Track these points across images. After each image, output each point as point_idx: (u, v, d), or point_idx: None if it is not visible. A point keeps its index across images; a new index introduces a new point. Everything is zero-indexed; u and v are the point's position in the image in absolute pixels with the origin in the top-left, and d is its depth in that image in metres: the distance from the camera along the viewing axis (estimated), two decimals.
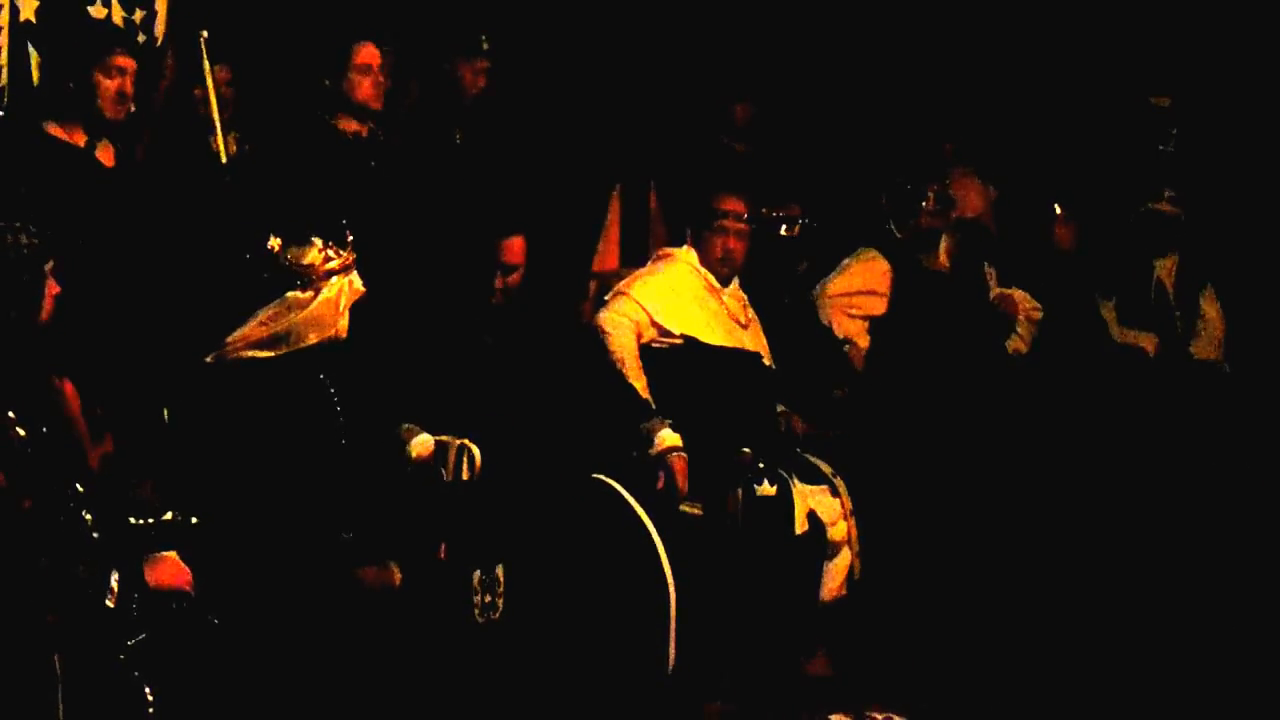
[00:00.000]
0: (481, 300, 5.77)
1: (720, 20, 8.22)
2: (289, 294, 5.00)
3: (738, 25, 8.28)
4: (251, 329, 5.01)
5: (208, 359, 5.02)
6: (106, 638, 4.12)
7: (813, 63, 8.49)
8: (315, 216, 5.12)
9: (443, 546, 5.13)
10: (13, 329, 4.36)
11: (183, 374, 5.06)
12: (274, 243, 5.00)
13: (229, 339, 5.02)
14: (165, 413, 5.20)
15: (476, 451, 5.41)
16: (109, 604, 4.11)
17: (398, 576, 4.99)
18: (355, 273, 5.10)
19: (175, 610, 4.31)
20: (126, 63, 5.71)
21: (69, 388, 4.50)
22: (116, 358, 5.41)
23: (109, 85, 5.67)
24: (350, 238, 5.08)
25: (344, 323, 5.07)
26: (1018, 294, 7.43)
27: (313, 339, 5.03)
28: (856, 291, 7.09)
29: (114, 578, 4.11)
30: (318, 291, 5.01)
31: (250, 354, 5.01)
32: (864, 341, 7.02)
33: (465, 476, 5.39)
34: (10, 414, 4.19)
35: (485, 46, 6.93)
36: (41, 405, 4.35)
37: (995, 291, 7.44)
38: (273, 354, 5.01)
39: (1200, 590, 6.78)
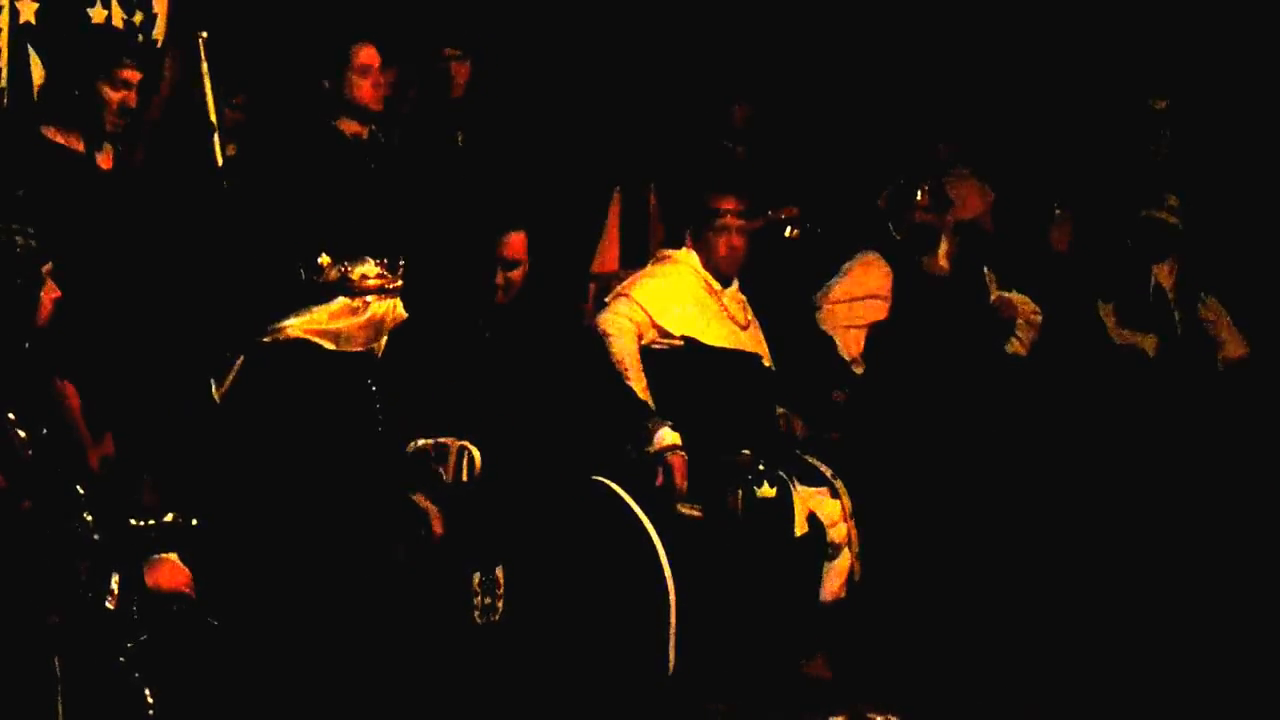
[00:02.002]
0: (483, 299, 5.77)
1: (719, 21, 8.22)
2: (341, 298, 5.14)
3: (736, 26, 8.28)
4: (311, 319, 5.13)
5: (264, 339, 5.14)
6: (107, 639, 4.12)
7: (811, 64, 8.49)
8: (373, 239, 5.31)
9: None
10: (11, 331, 4.37)
11: (234, 352, 5.18)
12: (324, 259, 5.14)
13: (283, 324, 5.14)
14: (212, 388, 5.26)
15: (477, 453, 5.42)
16: (109, 606, 4.11)
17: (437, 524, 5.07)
18: (400, 300, 5.24)
19: (175, 612, 4.31)
20: (132, 75, 5.70)
21: (70, 389, 4.50)
22: (117, 360, 5.41)
23: (113, 97, 5.66)
24: (402, 265, 5.22)
25: (383, 343, 5.19)
26: (1017, 297, 7.44)
27: (358, 347, 5.18)
28: (858, 297, 7.10)
29: (114, 580, 4.12)
30: (366, 305, 5.15)
31: (311, 337, 5.11)
32: (860, 369, 7.04)
33: (465, 478, 5.40)
34: (11, 415, 4.19)
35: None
36: (42, 407, 4.35)
37: (995, 294, 7.44)
38: (330, 345, 5.18)
39: (1200, 592, 6.78)
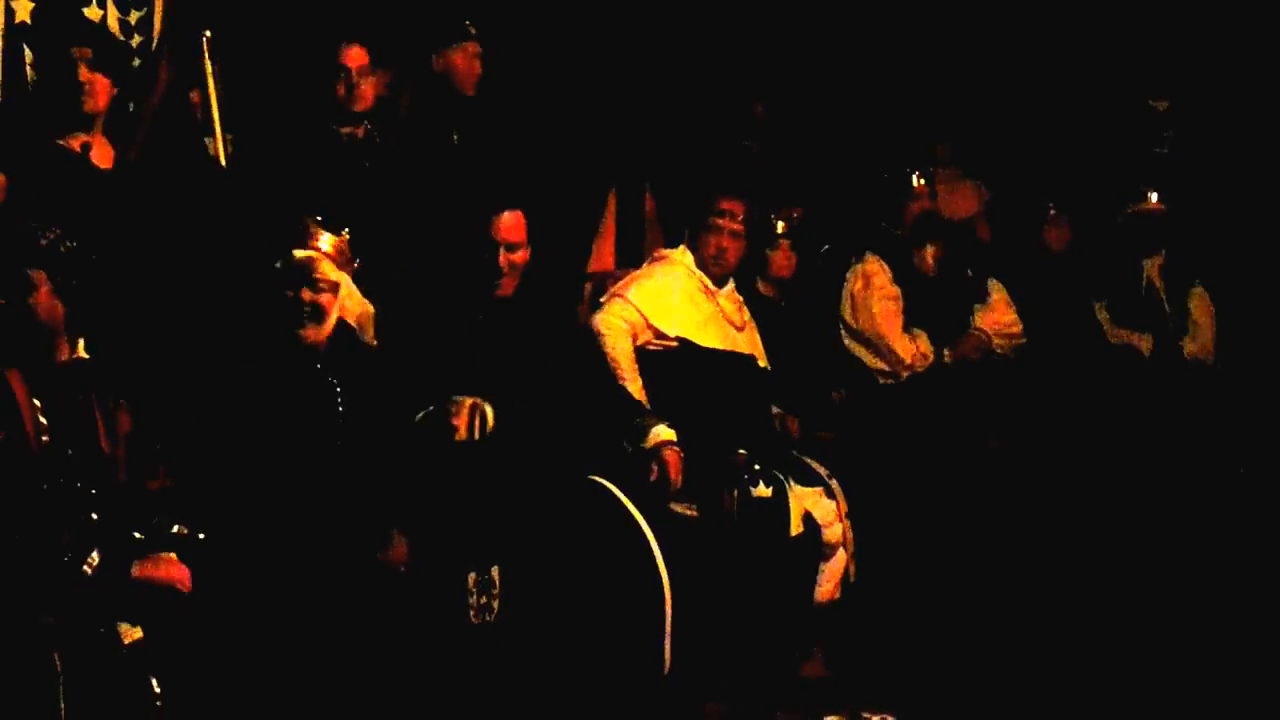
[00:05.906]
0: (481, 293, 5.74)
1: (719, 22, 8.23)
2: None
3: (737, 27, 8.29)
4: None
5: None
6: (85, 606, 4.12)
7: (810, 65, 8.50)
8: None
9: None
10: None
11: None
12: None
13: None
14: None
15: (490, 411, 5.38)
16: (86, 570, 4.12)
17: (404, 551, 5.03)
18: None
19: (173, 610, 4.32)
20: (82, 52, 5.73)
21: (14, 378, 4.46)
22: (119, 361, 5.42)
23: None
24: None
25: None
26: (989, 318, 7.34)
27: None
28: (884, 296, 7.13)
29: (95, 551, 4.14)
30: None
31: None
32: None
33: (477, 436, 5.36)
34: (37, 402, 4.23)
35: (472, 31, 6.91)
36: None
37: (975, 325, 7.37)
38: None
39: (1198, 591, 6.78)
